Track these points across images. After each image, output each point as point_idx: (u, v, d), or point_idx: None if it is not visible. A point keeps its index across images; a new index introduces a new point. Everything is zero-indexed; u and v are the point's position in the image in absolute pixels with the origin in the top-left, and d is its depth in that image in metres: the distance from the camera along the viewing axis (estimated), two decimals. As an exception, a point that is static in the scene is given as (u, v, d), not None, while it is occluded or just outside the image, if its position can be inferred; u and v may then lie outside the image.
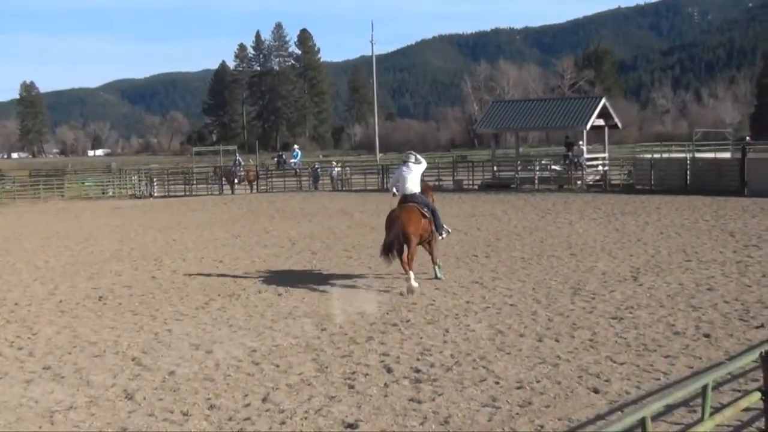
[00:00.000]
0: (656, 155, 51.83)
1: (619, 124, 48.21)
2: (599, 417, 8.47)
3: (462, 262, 18.94)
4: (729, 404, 7.25)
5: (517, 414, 8.67)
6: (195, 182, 57.48)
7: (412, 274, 15.79)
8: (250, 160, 63.60)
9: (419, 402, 9.15)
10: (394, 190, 17.21)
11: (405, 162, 17.11)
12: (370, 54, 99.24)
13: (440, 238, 17.12)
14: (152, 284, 17.88)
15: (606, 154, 46.20)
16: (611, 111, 45.84)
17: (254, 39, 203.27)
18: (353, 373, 10.41)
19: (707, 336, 11.52)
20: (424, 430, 8.39)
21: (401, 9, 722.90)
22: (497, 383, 9.71)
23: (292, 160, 57.38)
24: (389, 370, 10.45)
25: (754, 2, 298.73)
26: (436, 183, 44.45)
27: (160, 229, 29.90)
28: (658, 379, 9.64)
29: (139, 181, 59.62)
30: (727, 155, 48.62)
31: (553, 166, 44.91)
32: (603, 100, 44.99)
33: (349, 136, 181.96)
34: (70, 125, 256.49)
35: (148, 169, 70.81)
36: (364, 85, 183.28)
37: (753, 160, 37.82)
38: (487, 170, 47.89)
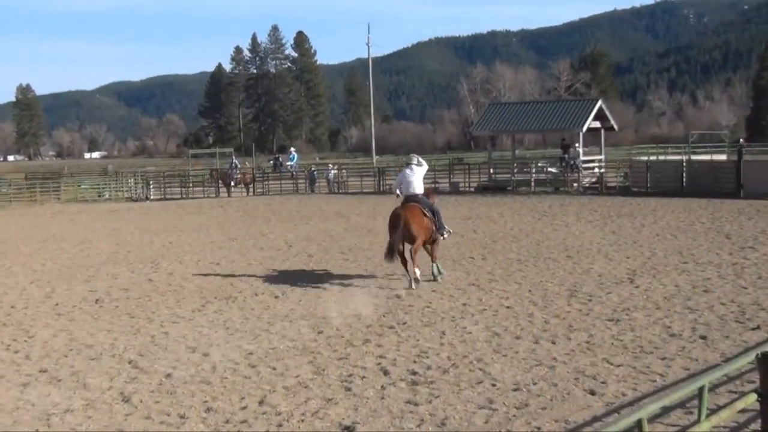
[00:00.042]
0: (652, 157, 51.82)
1: (615, 127, 48.18)
2: (596, 419, 8.48)
3: (458, 264, 18.95)
4: (725, 406, 7.26)
5: (514, 416, 8.68)
6: (191, 185, 57.38)
7: (417, 271, 16.36)
8: (247, 163, 63.45)
9: (416, 404, 9.16)
10: (398, 191, 17.63)
11: (408, 164, 17.59)
12: (366, 56, 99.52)
13: (441, 238, 17.41)
14: (149, 287, 17.88)
15: (602, 157, 46.18)
16: (607, 113, 45.82)
17: (250, 41, 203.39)
18: (350, 375, 10.42)
19: (703, 338, 11.54)
20: (420, 433, 8.40)
21: (397, 11, 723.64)
22: (494, 385, 9.72)
23: (289, 163, 57.34)
24: (386, 373, 10.46)
25: (750, 5, 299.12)
26: (433, 185, 44.43)
27: (156, 232, 29.89)
28: (655, 381, 9.65)
29: (136, 183, 59.57)
30: (723, 157, 48.65)
31: (549, 169, 44.91)
32: (599, 103, 44.98)
33: (346, 139, 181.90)
34: (67, 128, 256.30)
35: (145, 171, 70.86)
36: (361, 87, 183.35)
37: (749, 163, 37.84)
38: (484, 172, 47.91)
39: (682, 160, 42.13)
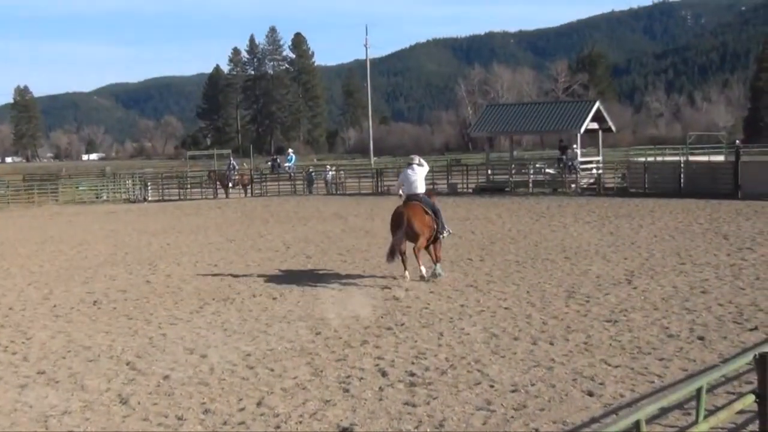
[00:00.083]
0: (650, 158, 51.92)
1: (613, 128, 48.20)
2: (594, 420, 8.48)
3: (456, 265, 18.95)
4: (723, 407, 7.26)
5: (512, 417, 8.68)
6: (189, 186, 57.36)
7: (423, 268, 16.89)
8: (245, 164, 63.63)
9: (414, 406, 9.16)
10: (401, 191, 17.92)
11: (409, 164, 17.91)
12: (364, 58, 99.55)
13: (441, 237, 17.66)
14: (147, 288, 17.86)
15: (600, 158, 46.21)
16: (605, 114, 45.84)
17: (248, 43, 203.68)
18: (348, 376, 10.41)
19: (701, 339, 11.54)
20: (418, 434, 8.40)
21: (395, 13, 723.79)
22: (492, 386, 9.71)
23: (287, 164, 57.37)
24: (384, 374, 10.45)
25: (747, 6, 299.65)
26: (431, 187, 44.43)
27: (154, 234, 29.88)
28: (653, 382, 9.65)
29: (134, 185, 59.56)
30: (720, 158, 48.68)
31: (547, 170, 44.93)
32: (597, 104, 45.02)
33: (344, 140, 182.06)
34: (64, 129, 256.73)
35: (143, 173, 70.88)
36: (359, 88, 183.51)
37: (747, 164, 37.89)
38: (482, 174, 47.98)
39: (679, 161, 42.14)
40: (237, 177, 53.37)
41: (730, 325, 12.30)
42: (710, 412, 6.91)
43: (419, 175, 17.66)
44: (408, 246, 17.20)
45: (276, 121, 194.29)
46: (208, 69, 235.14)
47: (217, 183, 53.52)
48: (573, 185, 41.74)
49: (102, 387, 10.44)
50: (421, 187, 17.62)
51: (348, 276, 18.28)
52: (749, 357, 6.74)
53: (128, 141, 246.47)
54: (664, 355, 10.79)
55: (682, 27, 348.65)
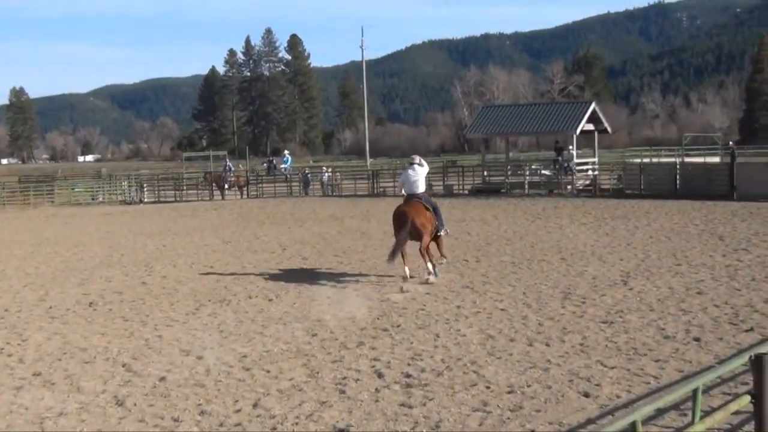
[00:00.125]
0: (646, 160, 51.91)
1: (609, 129, 48.27)
2: (590, 421, 8.48)
3: (452, 266, 18.94)
4: (719, 408, 7.27)
5: (508, 418, 8.68)
6: (185, 188, 57.38)
7: (431, 265, 17.12)
8: (240, 166, 63.68)
9: (410, 407, 9.16)
10: (403, 191, 18.21)
11: (410, 164, 18.23)
12: (360, 59, 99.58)
13: (440, 235, 17.96)
14: (143, 290, 17.85)
15: (596, 159, 46.29)
16: (601, 116, 45.89)
17: (244, 44, 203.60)
18: (344, 378, 10.41)
19: (697, 340, 11.55)
20: (415, 435, 8.40)
21: (391, 14, 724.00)
22: (488, 388, 9.71)
23: (283, 166, 57.37)
24: (380, 375, 10.45)
25: (743, 7, 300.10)
26: (427, 188, 44.44)
27: (150, 235, 29.86)
28: (649, 383, 9.66)
29: (129, 186, 59.50)
30: (716, 160, 48.74)
31: (543, 171, 44.95)
32: (593, 105, 45.06)
33: (340, 142, 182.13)
34: (60, 131, 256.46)
35: (138, 174, 70.84)
36: (354, 90, 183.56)
37: (742, 165, 37.93)
38: (477, 175, 47.95)
39: (675, 162, 42.22)
40: (233, 178, 53.36)
41: (725, 326, 12.31)
42: (706, 413, 6.91)
43: (420, 174, 17.93)
44: (409, 244, 17.31)
45: (272, 123, 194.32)
46: (204, 70, 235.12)
47: (213, 184, 53.53)
48: (569, 186, 41.77)
49: (98, 389, 10.43)
50: (422, 187, 17.93)
51: (344, 277, 18.28)
52: (745, 358, 6.74)
53: (124, 142, 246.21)
54: (660, 356, 10.80)
55: (678, 28, 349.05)
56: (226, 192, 52.30)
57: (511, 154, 57.96)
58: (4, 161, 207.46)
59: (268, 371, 10.87)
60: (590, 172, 43.91)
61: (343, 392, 9.82)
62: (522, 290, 15.86)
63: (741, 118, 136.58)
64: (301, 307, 15.06)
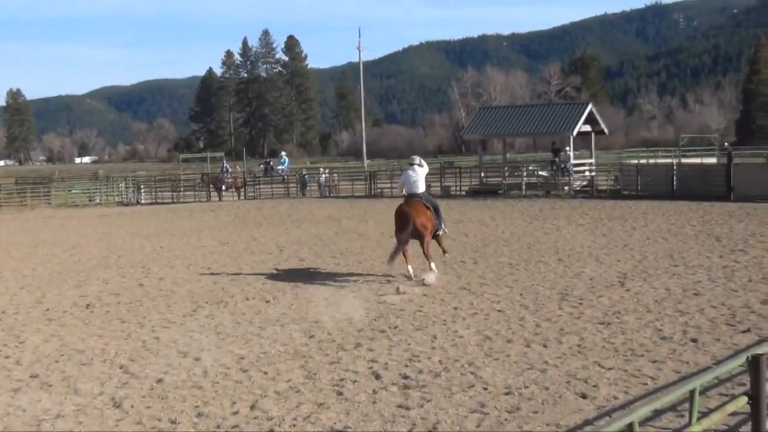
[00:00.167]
0: (643, 161, 51.90)
1: (606, 130, 48.29)
2: (587, 422, 8.49)
3: (449, 268, 18.94)
4: (716, 409, 7.28)
5: (506, 420, 8.68)
6: (182, 189, 57.34)
7: (433, 265, 17.41)
8: (238, 167, 63.58)
9: (408, 408, 9.16)
10: (403, 191, 18.45)
11: (411, 165, 18.53)
12: (357, 60, 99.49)
13: (438, 233, 18.25)
14: (140, 292, 17.85)
15: (593, 160, 46.29)
16: (598, 117, 45.89)
17: (241, 46, 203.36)
18: (341, 379, 10.41)
19: (694, 341, 11.55)
20: (412, 437, 8.40)
21: (388, 15, 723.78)
22: (485, 389, 9.72)
23: (280, 167, 57.34)
24: (377, 377, 10.46)
25: (739, 8, 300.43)
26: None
27: (147, 237, 29.84)
28: (646, 384, 9.66)
29: (126, 188, 59.47)
30: (713, 161, 48.78)
31: (540, 172, 44.98)
32: (589, 106, 45.05)
33: (337, 143, 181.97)
34: (57, 132, 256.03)
35: (135, 176, 70.74)
36: (352, 91, 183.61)
37: (739, 166, 37.96)
38: (475, 176, 47.97)
39: (672, 163, 42.21)
40: (230, 180, 53.33)
41: (722, 327, 12.32)
42: (703, 414, 6.92)
43: (420, 175, 18.17)
44: (411, 244, 17.59)
45: (269, 124, 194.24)
46: (201, 72, 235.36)
47: (210, 186, 53.49)
48: (566, 187, 41.79)
49: (95, 390, 10.43)
50: (421, 187, 18.17)
51: (341, 279, 18.28)
52: (742, 359, 6.75)
53: (121, 144, 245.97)
54: (657, 357, 10.80)
55: (675, 29, 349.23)
56: (224, 193, 52.28)
57: (508, 156, 57.97)
58: (1, 163, 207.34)
59: (266, 373, 10.87)
60: (587, 173, 43.90)
61: (341, 394, 9.82)
62: (519, 291, 15.86)
63: (738, 119, 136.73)
64: (298, 309, 15.06)
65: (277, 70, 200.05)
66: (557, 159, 43.23)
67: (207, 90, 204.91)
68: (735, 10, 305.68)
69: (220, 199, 51.43)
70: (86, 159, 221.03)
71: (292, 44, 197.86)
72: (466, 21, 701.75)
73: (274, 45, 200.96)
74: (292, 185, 52.87)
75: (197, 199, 53.41)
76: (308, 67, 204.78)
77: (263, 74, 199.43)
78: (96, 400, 10.06)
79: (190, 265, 21.80)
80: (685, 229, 25.09)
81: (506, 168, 46.57)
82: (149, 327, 14.07)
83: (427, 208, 17.81)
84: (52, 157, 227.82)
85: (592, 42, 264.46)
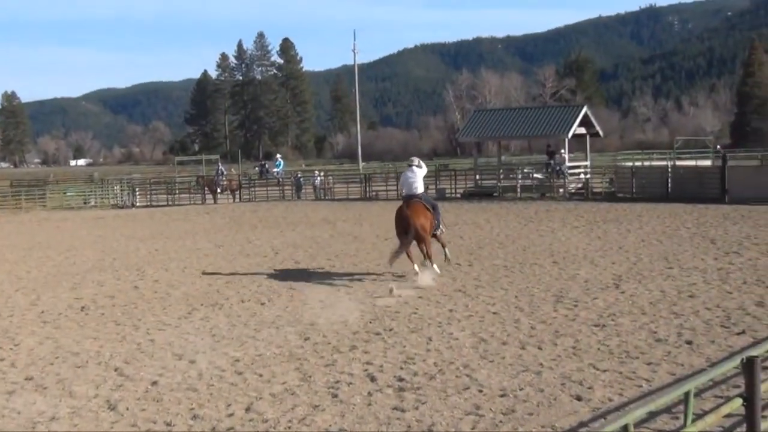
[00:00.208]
0: (637, 163, 52.01)
1: (601, 133, 48.38)
2: (582, 424, 8.49)
3: (444, 270, 18.93)
4: (711, 411, 7.29)
5: (501, 422, 8.68)
6: (177, 192, 57.30)
7: (435, 266, 17.79)
8: (233, 170, 63.54)
9: (403, 410, 9.16)
10: (404, 190, 18.75)
11: (409, 166, 18.90)
12: (352, 63, 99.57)
13: (437, 233, 18.61)
14: (135, 294, 17.83)
15: (588, 163, 46.36)
16: (592, 119, 45.98)
17: (236, 48, 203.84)
18: (337, 382, 10.41)
19: (689, 343, 11.57)
20: (407, 439, 8.40)
21: (383, 18, 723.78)
22: (480, 391, 9.72)
23: (275, 170, 57.35)
24: (373, 379, 10.46)
25: (734, 11, 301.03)
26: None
27: (142, 239, 29.82)
28: (641, 386, 9.67)
29: (122, 190, 59.42)
30: (707, 163, 48.85)
31: (535, 175, 45.03)
32: (584, 109, 45.14)
33: (332, 145, 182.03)
34: (52, 135, 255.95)
35: (131, 178, 70.64)
36: (347, 94, 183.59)
37: (733, 168, 38.04)
38: (470, 179, 48.00)
39: (667, 165, 42.30)
40: (225, 182, 53.36)
41: (717, 329, 12.33)
42: (698, 416, 6.93)
43: (418, 176, 18.48)
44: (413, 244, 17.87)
45: (264, 127, 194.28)
46: (196, 74, 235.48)
47: (206, 188, 53.52)
48: (561, 190, 41.85)
49: (90, 393, 10.42)
50: (420, 188, 18.43)
51: (336, 281, 18.28)
52: (737, 361, 6.76)
53: (116, 146, 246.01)
54: (652, 359, 10.81)
55: (669, 32, 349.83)
56: (219, 196, 52.28)
57: (503, 158, 57.98)
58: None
59: (261, 375, 10.86)
60: (582, 176, 43.99)
61: (336, 396, 9.82)
62: (514, 294, 15.87)
63: (732, 122, 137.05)
64: (293, 311, 15.06)
65: (272, 72, 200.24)
66: (552, 161, 43.27)
67: (202, 92, 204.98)
68: (729, 13, 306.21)
69: (215, 202, 51.42)
70: (81, 161, 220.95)
71: (287, 47, 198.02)
72: (461, 23, 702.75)
73: (270, 47, 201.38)
74: (287, 188, 52.88)
75: (192, 202, 53.40)
76: (303, 69, 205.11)
77: (258, 77, 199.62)
78: (91, 402, 10.05)
79: (185, 267, 21.78)
80: (680, 231, 25.12)
81: (501, 170, 46.61)
82: (144, 329, 14.06)
83: (427, 208, 18.06)
84: (47, 159, 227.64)
85: (586, 44, 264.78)
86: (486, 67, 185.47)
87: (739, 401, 6.46)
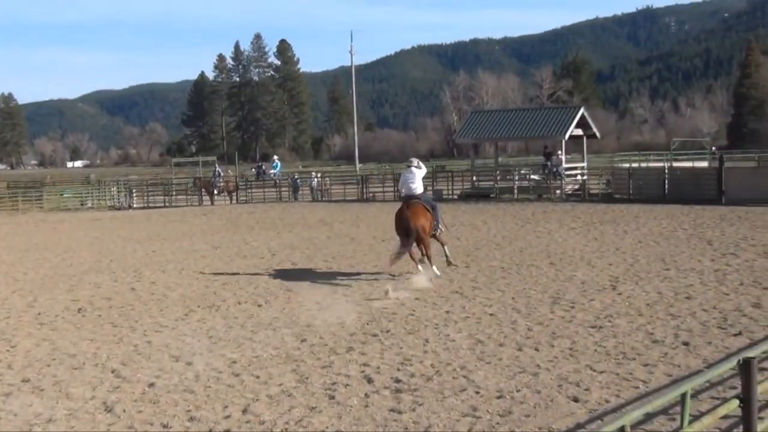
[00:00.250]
0: (634, 164, 52.01)
1: (598, 134, 48.37)
2: (579, 426, 8.50)
3: (441, 271, 18.94)
4: (708, 412, 7.29)
5: (498, 423, 8.68)
6: (174, 193, 57.28)
7: (435, 268, 17.95)
8: (230, 171, 63.45)
9: (400, 412, 9.16)
10: (403, 191, 18.94)
11: (408, 167, 19.08)
12: (349, 64, 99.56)
13: (435, 233, 18.86)
14: (131, 296, 17.82)
15: (584, 164, 46.35)
16: (589, 121, 45.98)
17: (233, 50, 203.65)
18: (334, 383, 10.41)
19: (686, 344, 11.57)
20: (404, 440, 8.40)
21: (380, 20, 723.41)
22: (477, 393, 9.72)
23: (272, 171, 57.29)
24: (370, 381, 10.46)
25: (731, 12, 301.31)
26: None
27: (139, 241, 29.80)
28: (638, 388, 9.68)
29: (118, 192, 59.34)
30: (704, 164, 48.87)
31: (532, 176, 45.02)
32: (581, 110, 45.13)
33: (329, 147, 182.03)
34: (49, 137, 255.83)
35: (127, 180, 70.52)
36: (344, 95, 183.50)
37: (730, 169, 38.06)
38: (467, 180, 47.99)
39: (664, 167, 42.34)
40: (222, 184, 53.32)
41: (714, 330, 12.34)
42: (695, 418, 6.93)
43: (417, 176, 18.68)
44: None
45: (261, 128, 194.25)
46: (193, 76, 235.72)
47: (203, 190, 53.50)
48: (558, 191, 41.84)
49: (87, 395, 10.41)
50: (419, 188, 18.64)
51: (333, 282, 18.28)
52: (733, 362, 6.76)
53: (113, 148, 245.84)
54: (648, 360, 10.82)
55: (666, 33, 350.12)
56: (216, 197, 52.25)
57: (500, 159, 58.03)
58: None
59: (258, 377, 10.86)
60: (579, 177, 43.97)
61: (333, 398, 9.82)
62: (511, 295, 15.88)
63: (729, 123, 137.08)
64: (290, 313, 15.05)
65: (269, 74, 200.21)
66: (549, 163, 43.27)
67: (199, 94, 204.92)
68: (726, 14, 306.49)
69: (212, 203, 51.40)
70: (78, 163, 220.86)
71: (284, 48, 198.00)
72: (458, 25, 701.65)
73: (267, 49, 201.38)
74: (284, 189, 52.84)
75: (189, 203, 53.38)
76: (300, 71, 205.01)
77: (255, 78, 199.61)
78: (88, 404, 10.04)
79: (182, 269, 21.78)
80: (677, 232, 25.13)
81: (498, 172, 46.62)
82: (141, 331, 14.05)
83: (427, 209, 18.26)
84: (44, 161, 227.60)
85: (583, 46, 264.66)
86: (483, 69, 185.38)
87: (735, 402, 6.47)
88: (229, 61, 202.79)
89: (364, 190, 49.54)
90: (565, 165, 43.52)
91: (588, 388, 9.72)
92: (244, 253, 24.79)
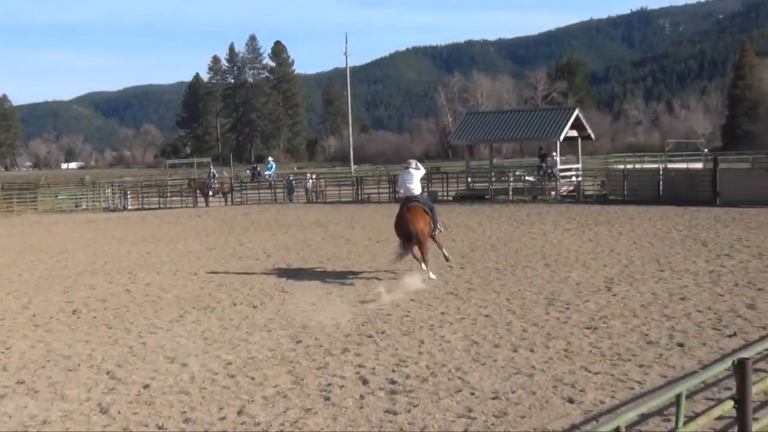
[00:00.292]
0: (629, 166, 52.11)
1: (592, 135, 48.39)
2: (574, 427, 8.51)
3: (437, 273, 18.94)
4: (702, 413, 7.30)
5: (493, 425, 8.69)
6: (169, 195, 57.22)
7: (431, 272, 17.95)
8: (225, 173, 63.43)
9: (395, 413, 9.16)
10: (401, 192, 19.18)
11: (407, 168, 19.22)
12: (344, 66, 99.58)
13: (434, 233, 18.95)
14: (126, 297, 17.80)
15: (579, 165, 46.37)
16: (584, 122, 46.01)
17: (228, 51, 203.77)
18: (329, 385, 10.41)
19: (681, 345, 11.59)
20: (400, 442, 8.40)
21: (375, 21, 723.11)
22: (473, 394, 9.73)
23: (267, 173, 57.28)
24: (365, 382, 10.46)
25: (725, 14, 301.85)
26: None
27: (134, 242, 29.77)
28: (633, 389, 9.69)
29: (113, 194, 59.33)
30: (699, 165, 48.95)
31: (527, 177, 45.06)
32: (576, 112, 45.16)
33: (324, 148, 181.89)
34: (44, 138, 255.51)
35: (122, 181, 70.64)
36: (339, 97, 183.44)
37: (725, 171, 38.11)
38: (462, 181, 48.04)
39: (658, 168, 42.34)
40: (217, 185, 53.26)
41: (709, 331, 12.36)
42: (690, 418, 6.94)
43: (415, 178, 18.79)
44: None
45: (256, 130, 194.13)
46: (188, 77, 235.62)
47: (197, 191, 53.42)
48: (553, 193, 41.88)
49: (82, 396, 10.40)
50: (417, 189, 18.80)
51: (328, 284, 18.28)
52: (728, 363, 6.78)
53: (107, 150, 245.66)
54: (643, 361, 10.84)
55: (660, 35, 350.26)
56: (210, 199, 52.20)
57: (495, 161, 58.00)
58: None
59: (253, 378, 10.86)
60: (574, 179, 44.02)
61: (328, 399, 9.82)
62: (506, 296, 15.89)
63: (723, 124, 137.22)
64: (285, 314, 15.05)
65: (264, 75, 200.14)
66: (544, 164, 43.32)
67: (194, 96, 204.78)
68: (720, 16, 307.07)
69: (207, 205, 51.33)
70: (73, 165, 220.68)
71: (279, 50, 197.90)
72: (452, 26, 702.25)
73: (261, 50, 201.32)
74: (279, 191, 52.79)
75: (184, 205, 53.31)
76: (295, 72, 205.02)
77: (250, 80, 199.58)
78: (83, 405, 10.03)
79: (176, 270, 21.76)
80: (672, 233, 25.16)
81: (493, 173, 46.63)
82: (136, 332, 14.04)
83: (425, 211, 18.40)
84: (38, 162, 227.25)
85: (578, 47, 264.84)
86: (478, 70, 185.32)
87: (730, 403, 6.48)
88: (224, 63, 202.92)
89: (359, 192, 49.53)
90: (559, 166, 43.60)
91: (583, 389, 9.73)
92: (239, 254, 24.78)
